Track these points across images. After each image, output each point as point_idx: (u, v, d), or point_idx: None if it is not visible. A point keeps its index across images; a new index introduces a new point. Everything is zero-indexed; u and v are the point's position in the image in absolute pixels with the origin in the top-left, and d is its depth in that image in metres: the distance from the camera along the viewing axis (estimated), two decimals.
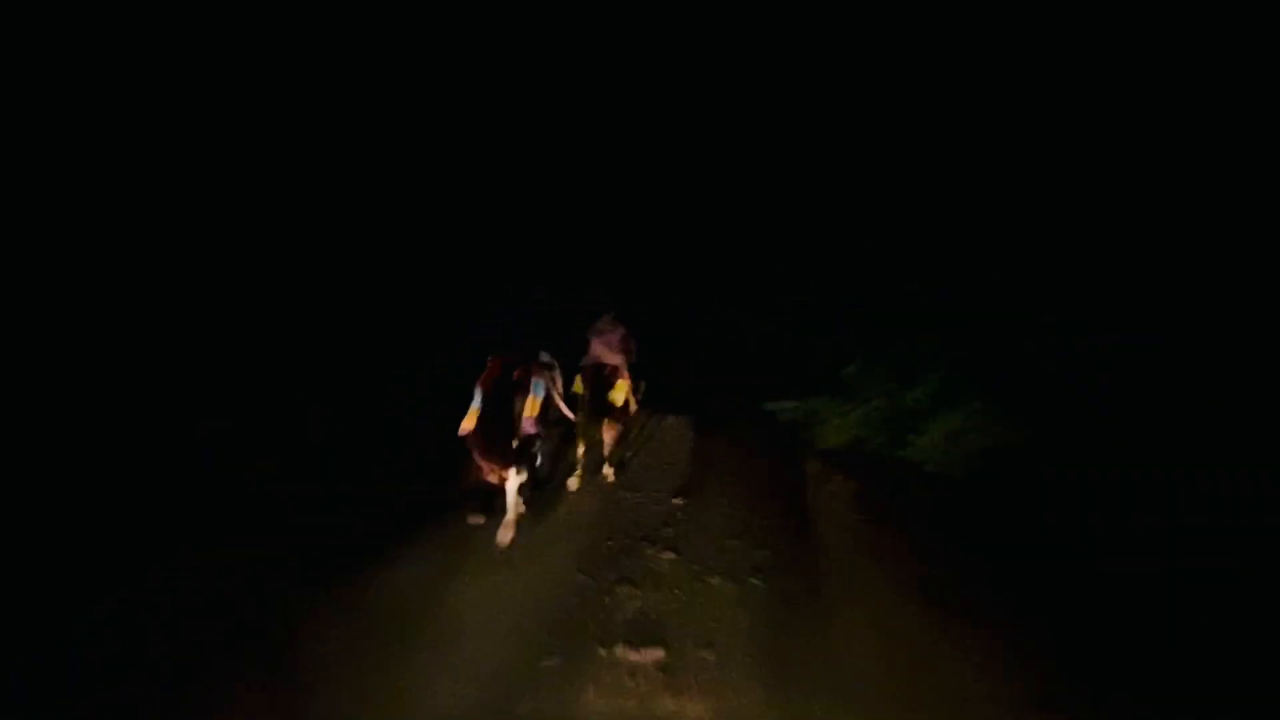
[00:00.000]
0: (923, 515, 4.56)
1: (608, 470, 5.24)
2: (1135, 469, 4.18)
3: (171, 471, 4.76)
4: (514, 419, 4.11)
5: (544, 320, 5.05)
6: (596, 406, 4.96)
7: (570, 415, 4.85)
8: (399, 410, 6.07)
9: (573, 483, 4.99)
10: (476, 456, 3.93)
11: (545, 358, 4.72)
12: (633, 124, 10.01)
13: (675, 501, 4.76)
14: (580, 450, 5.09)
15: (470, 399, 4.01)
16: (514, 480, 4.08)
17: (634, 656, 3.11)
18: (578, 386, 5.01)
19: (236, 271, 7.11)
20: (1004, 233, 5.84)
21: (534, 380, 4.29)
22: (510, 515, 4.11)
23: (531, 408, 4.21)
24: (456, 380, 4.26)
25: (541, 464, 4.82)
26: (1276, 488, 3.72)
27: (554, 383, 4.68)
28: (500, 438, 3.98)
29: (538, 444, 4.44)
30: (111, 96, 6.29)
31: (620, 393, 5.04)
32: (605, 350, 5.08)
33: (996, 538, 4.18)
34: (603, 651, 3.14)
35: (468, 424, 3.97)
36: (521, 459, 4.13)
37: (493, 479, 4.02)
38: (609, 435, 5.19)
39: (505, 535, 4.06)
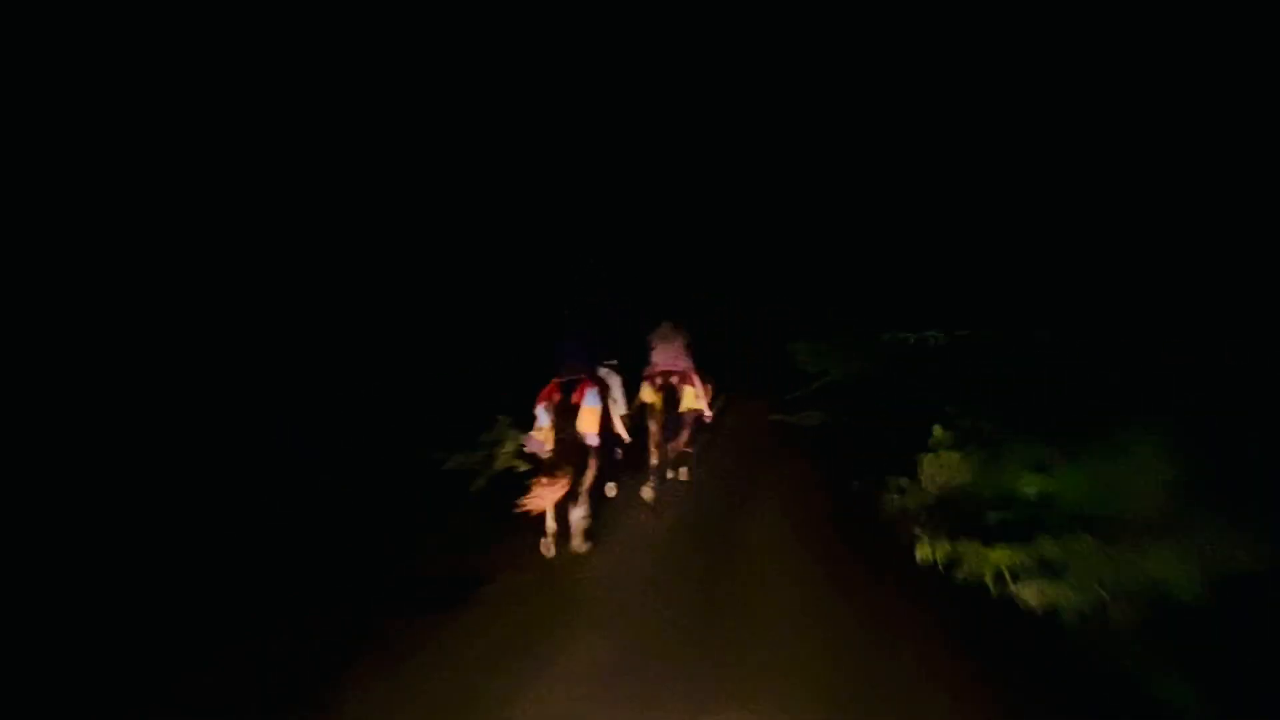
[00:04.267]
0: None
1: (682, 471, 5.33)
2: None
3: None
4: (578, 435, 4.17)
5: (605, 332, 4.89)
6: (669, 416, 4.93)
7: (624, 434, 4.70)
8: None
9: (646, 492, 4.84)
10: (553, 473, 3.90)
11: (602, 371, 4.67)
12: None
13: None
14: (654, 460, 4.95)
15: (532, 420, 4.16)
16: (583, 506, 4.12)
17: None
18: (648, 396, 4.94)
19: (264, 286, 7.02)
20: None
21: (587, 392, 4.25)
22: (578, 531, 4.10)
23: (588, 421, 4.19)
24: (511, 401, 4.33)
25: (603, 477, 4.72)
26: None
27: (611, 396, 4.60)
28: (575, 454, 4.06)
29: (599, 455, 4.37)
30: (111, 96, 6.21)
31: (691, 400, 4.98)
32: (671, 357, 5.01)
33: None
34: None
35: (546, 444, 4.08)
36: (583, 472, 4.17)
37: (553, 498, 3.90)
38: (682, 441, 5.18)
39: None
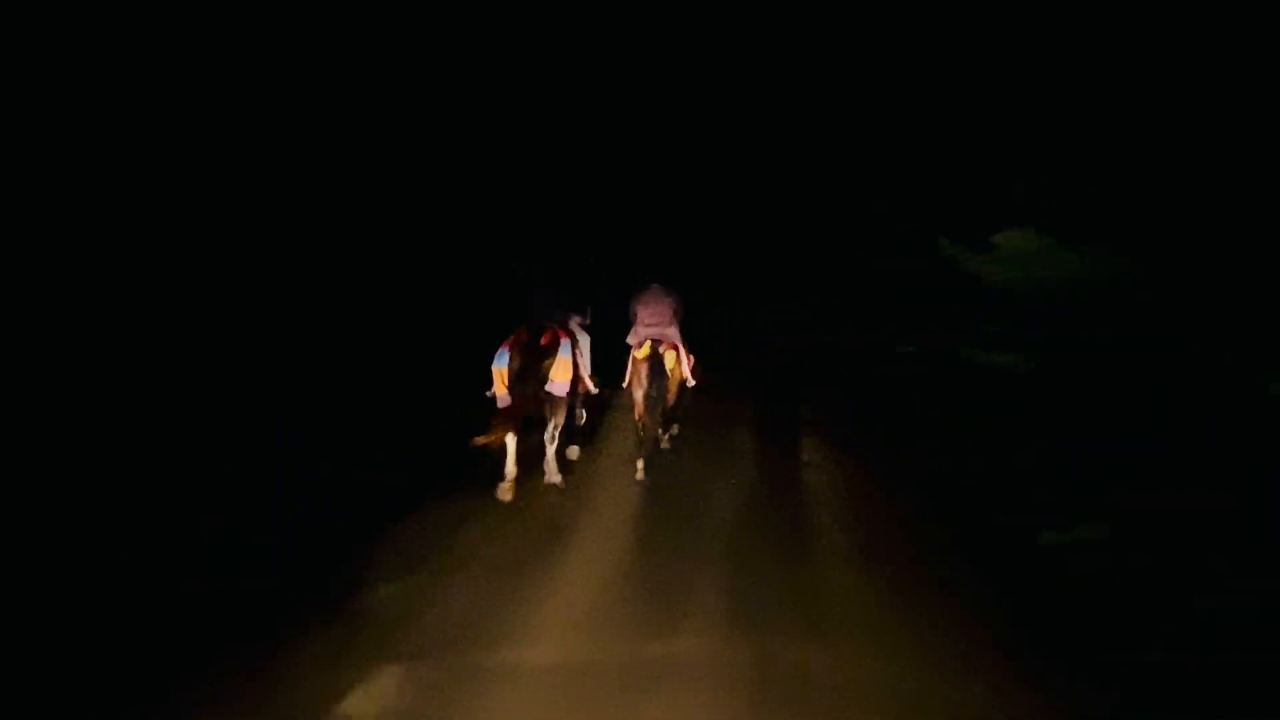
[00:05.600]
0: None
1: (663, 438, 5.33)
2: None
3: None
4: (541, 381, 4.29)
5: (580, 289, 5.08)
6: (653, 381, 4.84)
7: (593, 388, 4.91)
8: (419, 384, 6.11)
9: (639, 471, 4.73)
10: (502, 414, 4.12)
11: (574, 325, 4.85)
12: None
13: None
14: (642, 430, 4.90)
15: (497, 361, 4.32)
16: (550, 448, 4.42)
17: None
18: (635, 360, 4.90)
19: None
20: None
21: (562, 342, 4.40)
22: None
23: (559, 370, 4.32)
24: (481, 348, 4.49)
25: (577, 427, 5.03)
26: None
27: (579, 350, 4.73)
28: (529, 398, 4.22)
29: (563, 404, 4.52)
30: (111, 96, 6.21)
31: (675, 365, 4.94)
32: (657, 322, 4.96)
33: None
34: None
35: (497, 384, 4.25)
36: (544, 416, 4.37)
37: (510, 436, 4.16)
38: (665, 406, 5.12)
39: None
